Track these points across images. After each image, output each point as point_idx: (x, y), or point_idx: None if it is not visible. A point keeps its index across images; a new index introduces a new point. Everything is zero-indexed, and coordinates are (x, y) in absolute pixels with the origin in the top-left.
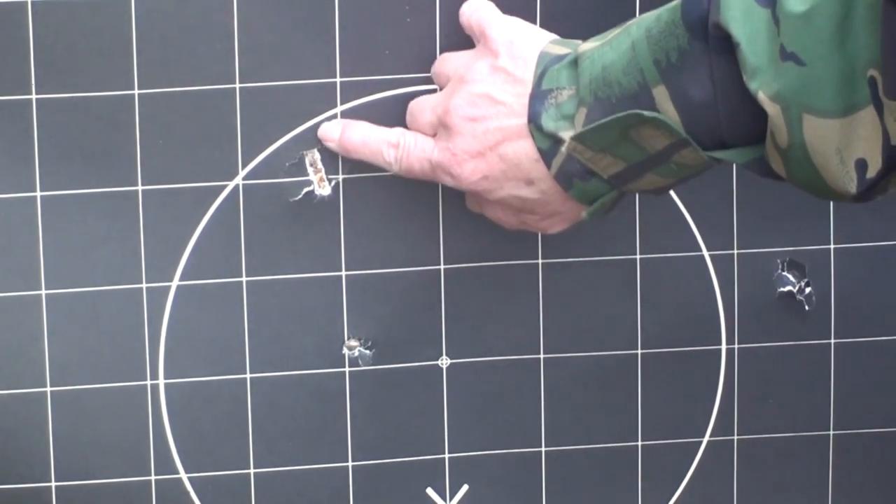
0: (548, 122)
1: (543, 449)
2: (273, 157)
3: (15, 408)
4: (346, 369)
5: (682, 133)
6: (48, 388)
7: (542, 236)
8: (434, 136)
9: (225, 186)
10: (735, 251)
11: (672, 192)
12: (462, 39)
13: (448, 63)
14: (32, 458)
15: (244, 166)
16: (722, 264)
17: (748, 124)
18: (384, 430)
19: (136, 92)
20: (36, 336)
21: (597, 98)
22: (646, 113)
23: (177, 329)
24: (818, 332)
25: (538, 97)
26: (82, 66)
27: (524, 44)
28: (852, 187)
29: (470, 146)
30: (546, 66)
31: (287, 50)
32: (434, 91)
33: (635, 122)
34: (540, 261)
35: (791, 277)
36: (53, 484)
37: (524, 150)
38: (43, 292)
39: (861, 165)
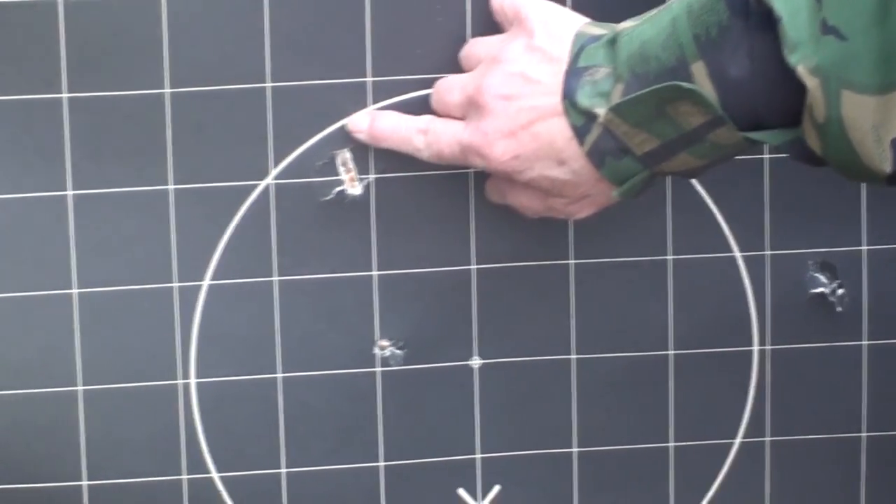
0: (583, 99)
1: (575, 450)
2: (304, 156)
3: (46, 407)
4: (378, 369)
5: (719, 110)
6: (79, 387)
7: (573, 236)
8: (461, 117)
9: (256, 186)
10: (767, 252)
11: (704, 193)
12: None
13: (480, 45)
14: (64, 458)
15: (275, 166)
16: (754, 265)
17: (785, 104)
18: (415, 431)
19: (167, 91)
20: (67, 335)
21: (634, 74)
22: (683, 85)
23: (208, 328)
24: (850, 334)
25: (574, 74)
26: (113, 65)
27: (560, 24)
28: (887, 166)
29: (502, 125)
30: (583, 44)
31: (318, 49)
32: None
33: (672, 96)
34: (571, 261)
35: (823, 279)
36: (85, 483)
37: (558, 128)
38: (74, 291)
39: None
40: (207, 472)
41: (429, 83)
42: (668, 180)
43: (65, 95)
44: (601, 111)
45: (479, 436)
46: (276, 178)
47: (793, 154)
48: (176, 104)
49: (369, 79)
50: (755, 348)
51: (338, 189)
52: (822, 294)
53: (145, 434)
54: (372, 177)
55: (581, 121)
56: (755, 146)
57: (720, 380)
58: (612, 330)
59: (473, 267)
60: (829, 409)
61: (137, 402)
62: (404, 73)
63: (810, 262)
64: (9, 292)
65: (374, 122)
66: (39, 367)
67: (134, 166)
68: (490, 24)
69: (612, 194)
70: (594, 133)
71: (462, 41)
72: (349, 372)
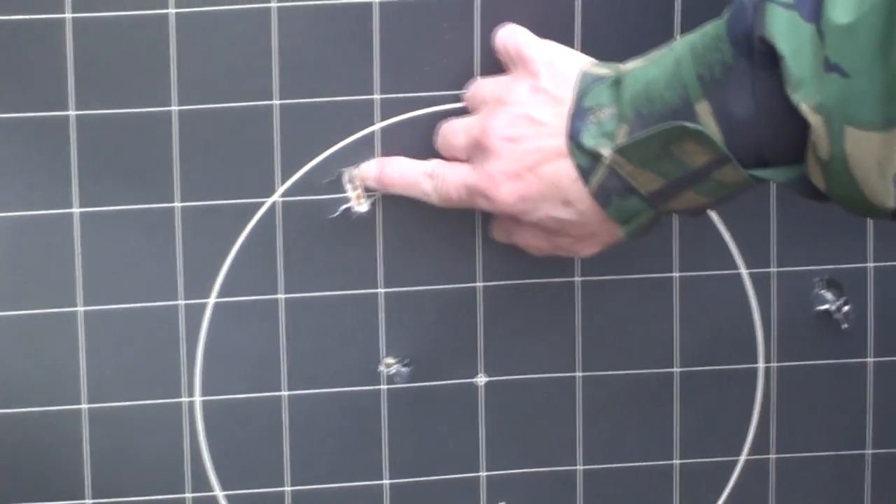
0: (588, 140)
1: (580, 467)
2: (311, 173)
3: (51, 424)
4: (383, 387)
5: (724, 149)
6: (84, 405)
7: None
8: (467, 160)
9: (263, 203)
10: (773, 269)
11: (710, 210)
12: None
13: (484, 87)
14: (68, 475)
15: (282, 183)
16: (760, 282)
17: (789, 142)
18: (420, 448)
19: (175, 108)
20: (73, 352)
21: (638, 114)
22: (688, 125)
23: (214, 346)
24: (855, 351)
25: (579, 115)
26: (121, 83)
27: (564, 64)
28: (890, 202)
29: (507, 167)
30: (588, 85)
31: (326, 66)
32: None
33: (677, 136)
34: (577, 279)
35: (829, 296)
36: (89, 501)
37: (563, 169)
38: (80, 309)
39: None
40: (212, 490)
41: (437, 101)
42: None
43: (72, 113)
44: (606, 152)
45: (484, 453)
46: (283, 195)
47: (798, 191)
48: (183, 122)
49: (377, 96)
50: (761, 366)
51: (344, 206)
52: (827, 311)
53: (150, 452)
54: (379, 194)
55: (586, 161)
56: (761, 183)
57: (725, 397)
58: (617, 347)
59: (479, 284)
60: (834, 427)
61: (142, 420)
62: (412, 91)
63: (816, 280)
64: (14, 310)
65: (382, 168)
66: (45, 384)
67: (141, 184)
68: None
69: (618, 233)
70: (599, 173)
71: (470, 59)
72: (354, 389)
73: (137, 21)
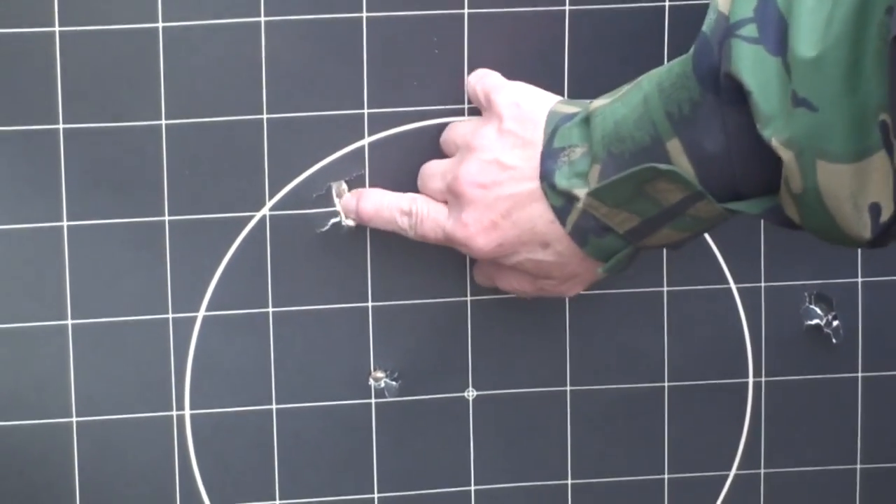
0: (561, 180)
1: (570, 481)
2: (300, 187)
3: (40, 438)
4: (372, 400)
5: (697, 185)
6: (74, 419)
7: None
8: (445, 202)
9: (252, 217)
10: (762, 284)
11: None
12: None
13: (455, 130)
14: (58, 489)
15: (271, 197)
16: (749, 297)
17: (762, 174)
18: (410, 462)
19: (164, 122)
20: (62, 366)
21: (610, 154)
22: (660, 166)
23: (203, 359)
24: (845, 366)
25: (550, 156)
26: (110, 96)
27: (531, 105)
28: (866, 232)
29: (481, 216)
30: (557, 124)
31: (315, 81)
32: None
33: (650, 177)
34: None
35: (818, 310)
36: None
37: (538, 212)
38: (69, 322)
39: (875, 210)
40: (202, 503)
41: (425, 115)
42: None
43: (61, 126)
44: (580, 192)
45: (473, 467)
46: (272, 209)
47: (772, 220)
48: (172, 135)
49: (366, 111)
50: (750, 380)
51: (333, 220)
52: (817, 326)
53: (140, 465)
54: None
55: (561, 202)
56: (735, 215)
57: (715, 411)
58: (607, 361)
59: (469, 298)
60: (823, 442)
61: (132, 434)
62: (401, 105)
63: (806, 294)
64: (3, 323)
65: (359, 202)
66: (34, 398)
67: (130, 197)
68: (486, 58)
69: (597, 271)
70: (575, 214)
71: (460, 73)
72: (344, 403)
73: (126, 35)
